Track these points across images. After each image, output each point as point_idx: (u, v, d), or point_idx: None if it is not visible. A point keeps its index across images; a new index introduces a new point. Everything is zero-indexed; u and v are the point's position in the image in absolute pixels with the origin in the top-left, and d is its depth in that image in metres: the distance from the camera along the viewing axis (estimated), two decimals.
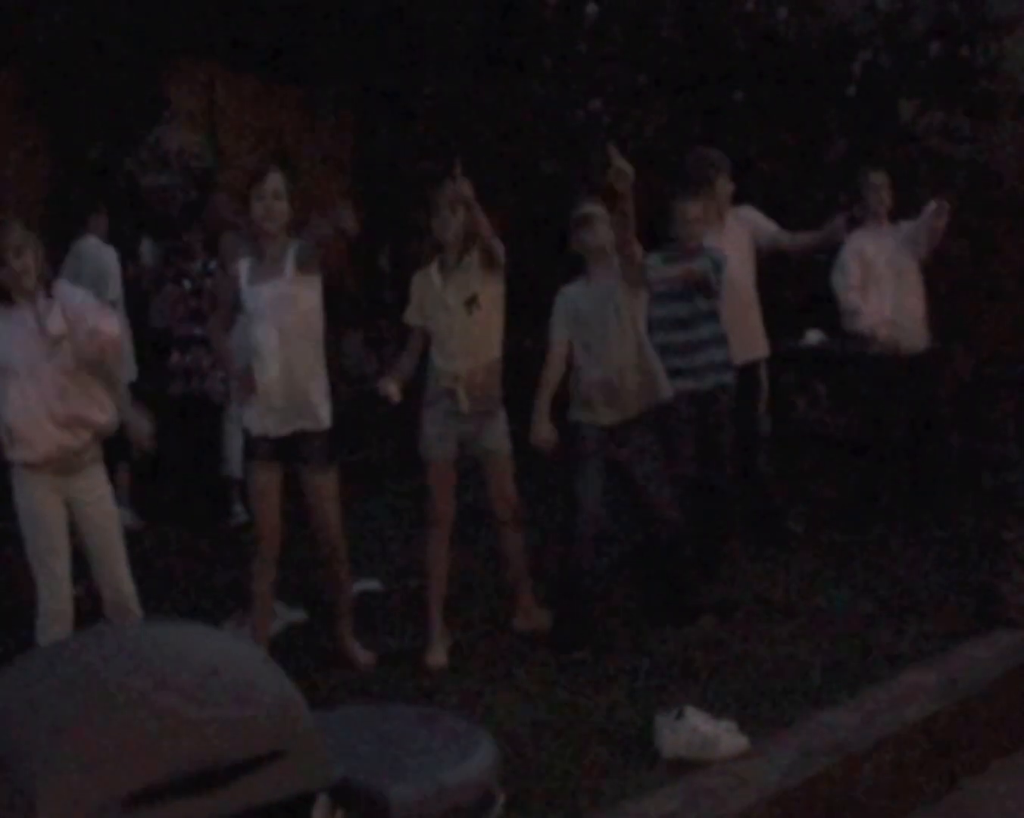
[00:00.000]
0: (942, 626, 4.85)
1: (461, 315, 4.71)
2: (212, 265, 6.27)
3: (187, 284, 6.39)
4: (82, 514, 4.31)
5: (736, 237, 5.86)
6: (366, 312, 8.69)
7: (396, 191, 8.40)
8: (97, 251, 6.33)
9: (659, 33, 8.08)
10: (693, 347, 5.39)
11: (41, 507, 4.25)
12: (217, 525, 6.46)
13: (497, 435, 4.82)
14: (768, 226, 6.11)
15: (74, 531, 4.34)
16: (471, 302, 4.70)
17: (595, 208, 4.92)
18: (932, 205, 6.09)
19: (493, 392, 4.80)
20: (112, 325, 4.39)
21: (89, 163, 7.41)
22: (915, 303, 6.28)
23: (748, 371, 5.85)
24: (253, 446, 4.65)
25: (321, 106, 8.70)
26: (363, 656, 4.73)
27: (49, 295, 4.29)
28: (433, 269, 4.81)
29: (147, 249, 6.66)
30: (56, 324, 4.24)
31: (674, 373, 5.38)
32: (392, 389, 4.72)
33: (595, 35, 8.00)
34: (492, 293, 4.74)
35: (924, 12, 7.81)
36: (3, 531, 5.52)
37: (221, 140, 8.07)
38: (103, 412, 4.35)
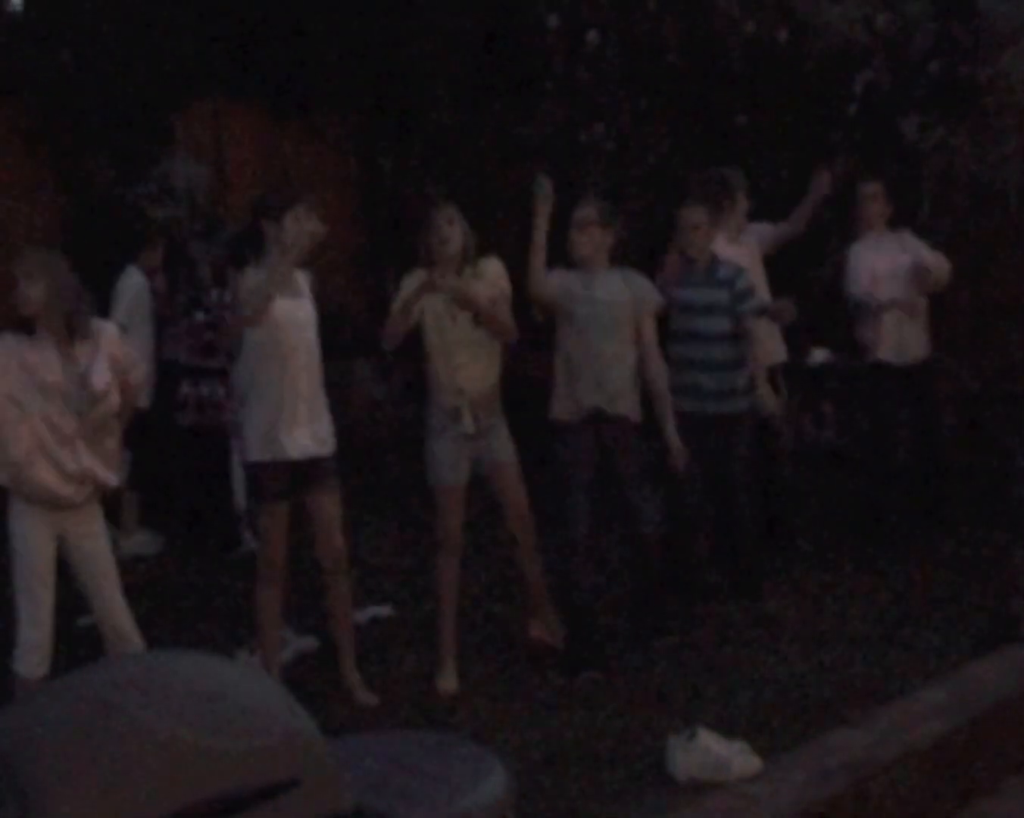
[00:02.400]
0: (953, 644, 4.84)
1: (468, 328, 4.69)
2: (227, 297, 6.29)
3: (200, 315, 6.40)
4: (74, 547, 4.17)
5: (746, 252, 5.92)
6: (372, 338, 8.68)
7: (401, 217, 8.42)
8: (125, 278, 6.41)
9: (660, 57, 8.11)
10: (703, 366, 5.36)
11: (32, 533, 4.09)
12: (227, 554, 6.46)
13: (503, 444, 4.79)
14: (767, 230, 6.21)
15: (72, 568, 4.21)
16: (478, 314, 4.68)
17: (590, 211, 4.87)
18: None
19: (495, 405, 4.80)
20: (141, 376, 4.39)
21: (96, 195, 7.44)
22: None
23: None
24: (259, 484, 4.61)
25: (326, 135, 8.74)
26: (363, 695, 4.63)
27: (83, 336, 4.07)
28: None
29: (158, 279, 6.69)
30: (101, 377, 4.07)
31: (681, 389, 5.37)
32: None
33: (596, 60, 8.04)
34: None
35: (924, 31, 7.84)
36: None
37: (228, 171, 8.10)
38: (110, 469, 4.17)
